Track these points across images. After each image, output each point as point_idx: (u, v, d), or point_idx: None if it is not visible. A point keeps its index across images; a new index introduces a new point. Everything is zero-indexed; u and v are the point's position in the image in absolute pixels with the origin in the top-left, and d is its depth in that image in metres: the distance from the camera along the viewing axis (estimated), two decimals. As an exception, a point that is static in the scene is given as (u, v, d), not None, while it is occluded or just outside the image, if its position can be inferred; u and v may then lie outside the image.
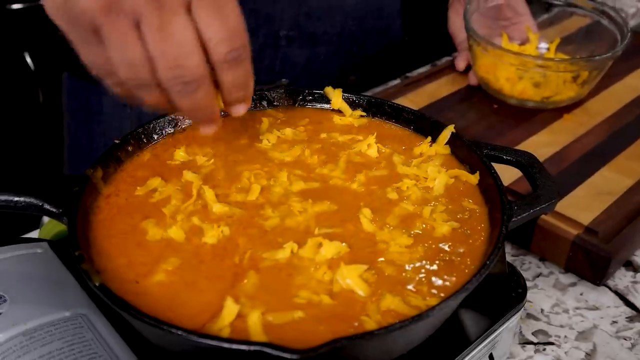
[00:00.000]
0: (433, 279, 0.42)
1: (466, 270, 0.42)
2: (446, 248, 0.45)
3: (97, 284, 0.38)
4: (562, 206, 0.64)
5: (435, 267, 0.43)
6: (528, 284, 0.61)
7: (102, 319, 0.47)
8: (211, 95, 0.43)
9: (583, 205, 0.64)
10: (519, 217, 0.45)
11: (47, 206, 0.44)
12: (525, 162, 0.50)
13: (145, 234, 0.45)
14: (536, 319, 0.59)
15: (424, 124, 0.56)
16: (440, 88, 0.86)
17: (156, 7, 0.39)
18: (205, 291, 0.41)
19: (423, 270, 0.43)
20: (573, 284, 0.62)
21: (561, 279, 0.63)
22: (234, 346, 0.35)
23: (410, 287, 0.41)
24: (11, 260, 0.51)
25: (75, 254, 0.41)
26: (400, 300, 0.40)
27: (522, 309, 0.50)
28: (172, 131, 0.55)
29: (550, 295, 0.61)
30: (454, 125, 0.54)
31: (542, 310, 0.60)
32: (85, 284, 0.49)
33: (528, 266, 0.65)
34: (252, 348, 0.34)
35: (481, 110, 0.82)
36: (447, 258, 0.44)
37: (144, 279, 0.42)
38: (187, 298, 0.40)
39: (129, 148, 0.52)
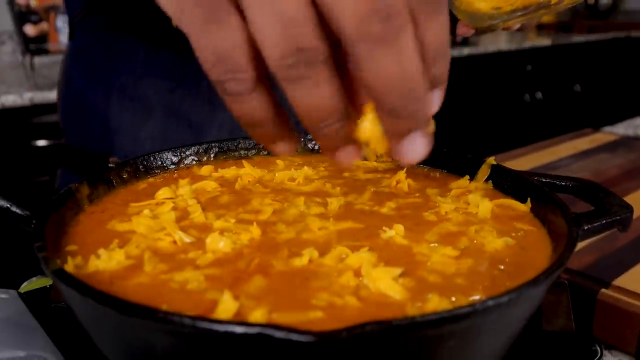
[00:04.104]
0: (488, 285, 0.32)
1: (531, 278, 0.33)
2: (502, 260, 0.35)
3: (54, 270, 0.30)
4: (624, 281, 0.54)
5: (491, 275, 0.34)
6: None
7: (63, 362, 0.37)
8: (338, 94, 0.27)
9: (648, 280, 0.54)
10: (590, 226, 0.36)
11: (14, 209, 0.37)
12: (586, 187, 0.42)
13: (128, 242, 0.37)
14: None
15: (459, 163, 0.49)
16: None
17: None
18: (196, 291, 0.31)
19: (477, 279, 0.33)
20: (651, 375, 0.50)
21: (635, 370, 0.51)
22: (224, 328, 0.25)
23: (461, 293, 0.32)
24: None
25: (36, 244, 0.32)
26: (451, 303, 0.30)
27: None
28: (174, 167, 0.49)
29: (624, 389, 0.49)
30: (494, 157, 0.47)
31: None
32: (50, 329, 0.40)
33: (592, 357, 0.53)
34: (251, 331, 0.25)
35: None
36: (504, 268, 0.34)
37: (121, 281, 0.33)
38: (172, 299, 0.31)
39: (124, 175, 0.46)
